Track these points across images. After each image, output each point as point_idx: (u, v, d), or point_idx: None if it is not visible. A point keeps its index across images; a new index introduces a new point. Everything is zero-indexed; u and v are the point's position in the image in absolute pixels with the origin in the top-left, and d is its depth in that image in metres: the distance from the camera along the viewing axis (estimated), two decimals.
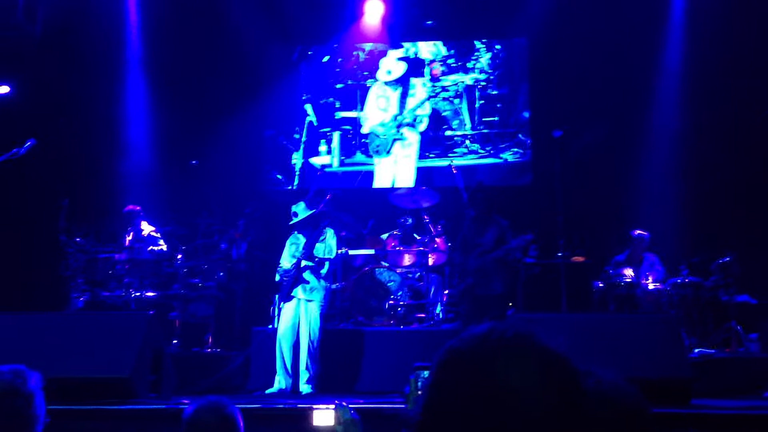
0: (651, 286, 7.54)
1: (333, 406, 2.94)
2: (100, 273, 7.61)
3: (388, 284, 7.62)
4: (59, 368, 4.53)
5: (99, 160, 9.40)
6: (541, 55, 9.58)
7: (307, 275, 6.58)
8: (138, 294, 7.51)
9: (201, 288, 7.81)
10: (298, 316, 6.54)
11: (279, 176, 9.90)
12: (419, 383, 3.02)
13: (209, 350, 7.67)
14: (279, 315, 7.11)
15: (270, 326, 7.47)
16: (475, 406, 0.94)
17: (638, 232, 7.91)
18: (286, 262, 6.80)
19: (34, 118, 8.76)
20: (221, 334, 7.99)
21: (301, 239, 6.79)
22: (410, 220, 8.26)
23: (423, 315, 7.71)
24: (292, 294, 6.58)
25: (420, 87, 9.96)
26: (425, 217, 8.13)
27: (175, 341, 7.54)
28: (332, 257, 6.71)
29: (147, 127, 9.75)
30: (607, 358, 4.83)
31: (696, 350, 6.87)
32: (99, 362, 4.56)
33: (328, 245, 6.70)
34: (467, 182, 8.29)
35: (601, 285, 7.54)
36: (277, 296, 7.06)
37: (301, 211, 6.84)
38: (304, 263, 6.58)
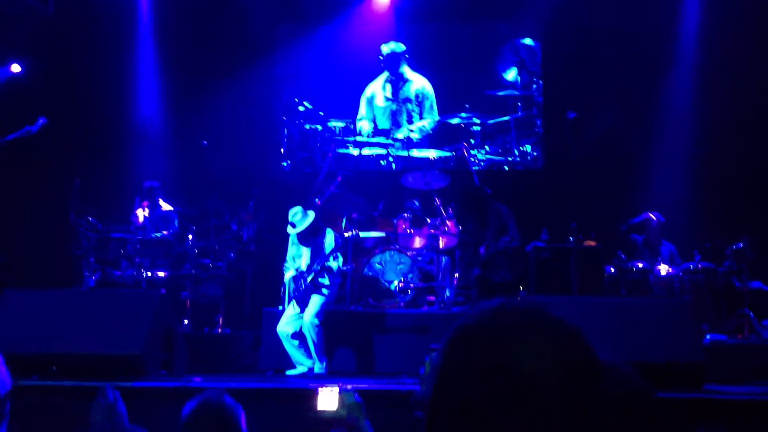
0: (663, 272, 7.49)
1: (337, 390, 2.93)
2: (112, 252, 7.64)
3: (398, 267, 7.61)
4: (72, 344, 4.56)
5: (110, 140, 9.42)
6: (554, 42, 9.48)
7: (321, 280, 6.64)
8: (149, 274, 7.54)
9: (212, 268, 7.84)
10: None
11: (284, 163, 9.82)
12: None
13: (219, 330, 7.70)
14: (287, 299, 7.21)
15: (280, 307, 7.49)
16: (488, 381, 0.91)
17: (652, 214, 7.87)
18: (291, 261, 6.84)
19: (46, 97, 8.78)
20: (231, 314, 8.02)
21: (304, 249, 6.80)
22: (417, 203, 8.23)
23: (433, 298, 7.70)
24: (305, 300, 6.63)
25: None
26: (436, 199, 8.09)
27: (186, 321, 7.57)
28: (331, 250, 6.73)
29: (158, 107, 9.74)
30: (620, 342, 4.82)
31: (708, 336, 6.83)
32: (111, 339, 4.59)
33: (329, 245, 6.72)
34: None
35: (613, 270, 7.50)
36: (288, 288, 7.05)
37: (298, 220, 6.75)
38: (311, 277, 6.61)
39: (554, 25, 9.36)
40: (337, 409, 2.83)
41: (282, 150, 9.84)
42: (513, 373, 0.90)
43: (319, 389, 3.04)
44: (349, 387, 3.00)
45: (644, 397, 1.36)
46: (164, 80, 9.72)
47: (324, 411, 2.94)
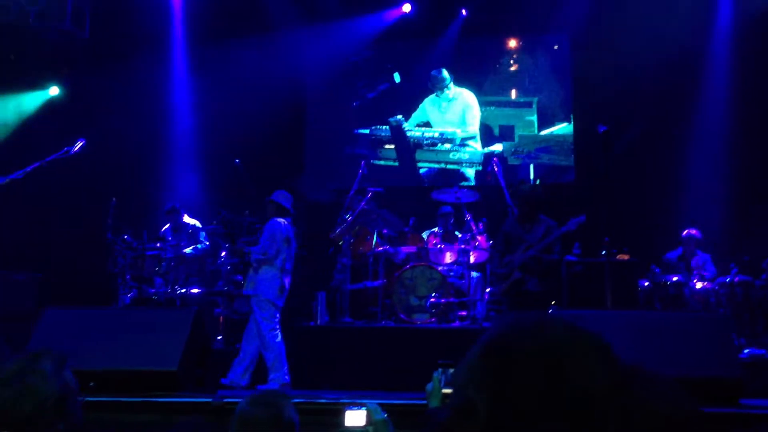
0: (699, 286, 7.39)
1: (365, 407, 2.94)
2: (147, 270, 7.78)
3: (429, 282, 7.61)
4: (110, 360, 4.64)
5: (145, 160, 9.61)
6: (583, 52, 9.46)
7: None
8: (183, 291, 7.66)
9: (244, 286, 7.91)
10: None
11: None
12: (442, 380, 2.98)
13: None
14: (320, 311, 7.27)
15: (312, 322, 7.54)
16: (544, 393, 0.94)
17: (689, 230, 7.79)
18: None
19: (84, 118, 8.99)
20: None
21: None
22: (452, 219, 8.25)
23: (464, 313, 7.68)
24: None
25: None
26: (467, 214, 8.10)
27: (219, 337, 7.65)
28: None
29: (191, 126, 9.92)
30: (656, 356, 4.76)
31: (746, 351, 6.71)
32: (148, 356, 4.67)
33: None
34: (509, 181, 8.27)
35: (647, 284, 7.41)
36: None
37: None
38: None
39: (584, 38, 9.34)
40: (365, 426, 2.84)
41: None
42: (568, 384, 0.93)
43: (348, 406, 3.05)
44: (376, 404, 2.99)
45: (691, 414, 1.37)
46: (198, 98, 9.91)
47: (351, 428, 2.94)
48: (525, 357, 0.96)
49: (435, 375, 2.96)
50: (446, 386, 2.93)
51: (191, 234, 8.16)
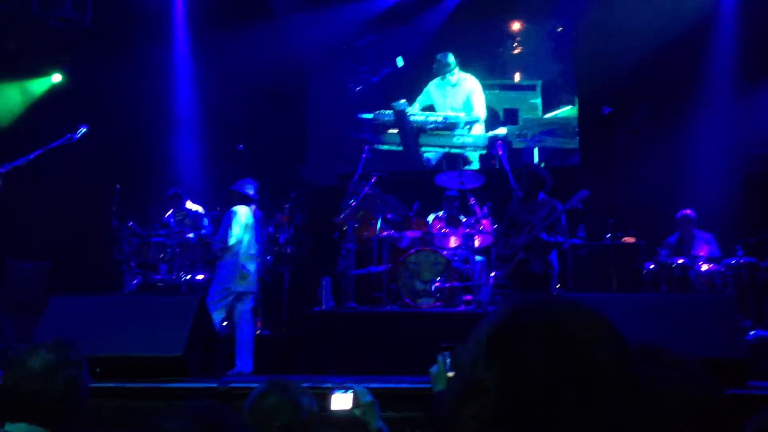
0: (704, 268, 7.37)
1: (351, 390, 2.92)
2: (152, 257, 7.79)
3: (434, 267, 7.61)
4: (115, 347, 4.65)
5: (148, 146, 9.60)
6: (587, 33, 9.39)
7: None
8: (188, 277, 7.66)
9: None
10: None
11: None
12: (447, 364, 2.98)
13: (257, 332, 7.78)
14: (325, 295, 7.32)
15: (317, 308, 7.55)
16: (551, 370, 0.95)
17: (683, 211, 7.73)
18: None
19: (86, 105, 8.98)
20: (269, 317, 8.10)
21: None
22: (456, 203, 8.23)
23: (469, 297, 7.68)
24: None
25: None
26: (471, 198, 8.08)
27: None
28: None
29: (194, 112, 9.91)
30: (662, 338, 4.73)
31: (751, 332, 6.69)
32: (153, 342, 4.68)
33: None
34: (512, 164, 8.24)
35: (652, 266, 7.39)
36: None
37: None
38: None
39: (587, 19, 9.27)
40: (351, 409, 2.82)
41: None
42: (577, 357, 0.95)
43: (333, 389, 3.03)
44: (363, 387, 2.97)
45: (715, 397, 1.38)
46: (200, 83, 9.88)
47: (338, 411, 2.92)
48: (535, 332, 0.98)
49: (439, 358, 2.95)
50: (451, 369, 2.93)
51: (192, 219, 8.14)
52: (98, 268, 8.35)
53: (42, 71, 9.71)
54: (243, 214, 6.80)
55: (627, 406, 0.96)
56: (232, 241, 6.66)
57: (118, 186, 7.60)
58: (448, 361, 2.98)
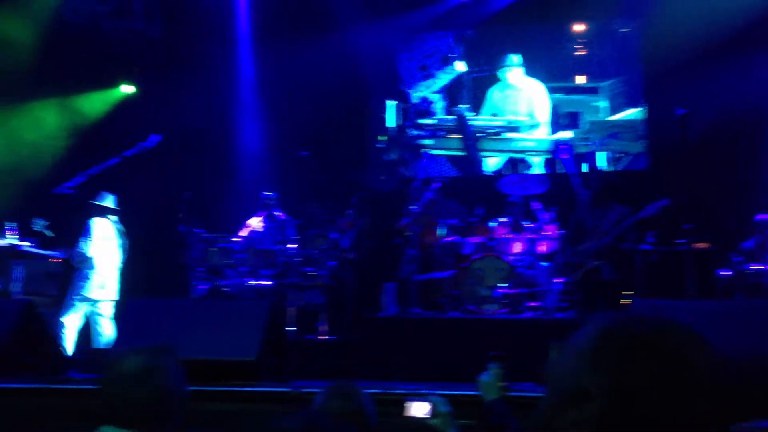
0: None
1: (428, 399, 2.92)
2: (219, 262, 7.94)
3: (498, 273, 7.54)
4: (190, 351, 4.76)
5: (216, 153, 9.82)
6: (654, 34, 9.17)
7: None
8: (255, 282, 7.79)
9: (314, 277, 8.00)
10: None
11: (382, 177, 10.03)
12: (500, 373, 2.96)
13: (322, 337, 7.85)
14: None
15: (380, 313, 7.58)
16: (662, 382, 1.01)
17: (762, 215, 7.46)
18: None
19: (158, 115, 9.23)
20: (333, 321, 8.15)
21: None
22: (520, 209, 8.14)
23: (534, 303, 7.58)
24: None
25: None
26: (535, 204, 7.98)
27: (292, 328, 7.77)
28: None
29: (259, 120, 10.09)
30: (739, 347, 4.59)
31: None
32: (227, 346, 4.78)
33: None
34: (577, 169, 8.12)
35: (727, 273, 7.15)
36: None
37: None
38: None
39: (654, 19, 9.06)
40: (428, 418, 2.82)
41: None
42: (687, 370, 1.02)
43: (409, 397, 3.03)
44: (441, 396, 2.97)
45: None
46: (264, 91, 10.06)
47: (415, 418, 2.92)
48: (640, 342, 1.04)
49: (492, 368, 2.94)
50: (501, 379, 2.93)
51: (280, 228, 8.24)
52: (167, 274, 8.56)
53: (113, 83, 10.03)
54: (97, 225, 7.44)
55: (720, 407, 1.03)
56: (88, 251, 7.30)
57: (187, 193, 7.78)
58: (499, 371, 2.97)
